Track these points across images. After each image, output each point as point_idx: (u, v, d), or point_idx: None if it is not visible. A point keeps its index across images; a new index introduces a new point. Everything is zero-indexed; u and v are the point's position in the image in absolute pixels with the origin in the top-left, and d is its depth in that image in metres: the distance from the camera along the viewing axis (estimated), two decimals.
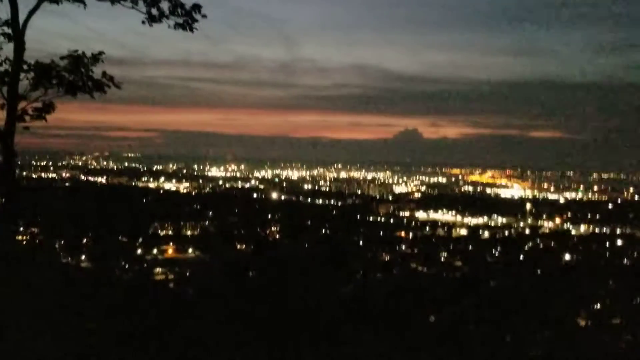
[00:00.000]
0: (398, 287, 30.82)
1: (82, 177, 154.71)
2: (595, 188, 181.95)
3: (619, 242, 78.07)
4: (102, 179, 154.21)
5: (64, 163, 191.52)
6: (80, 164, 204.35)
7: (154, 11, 8.06)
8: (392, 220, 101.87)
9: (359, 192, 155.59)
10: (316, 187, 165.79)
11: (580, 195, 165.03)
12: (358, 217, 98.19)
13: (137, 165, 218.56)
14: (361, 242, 68.05)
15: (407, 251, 67.83)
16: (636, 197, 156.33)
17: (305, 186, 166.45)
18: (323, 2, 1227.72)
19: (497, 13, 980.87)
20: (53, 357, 7.71)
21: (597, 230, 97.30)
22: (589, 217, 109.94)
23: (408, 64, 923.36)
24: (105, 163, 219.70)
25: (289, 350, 10.38)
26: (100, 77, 8.30)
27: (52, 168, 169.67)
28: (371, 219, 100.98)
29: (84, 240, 59.12)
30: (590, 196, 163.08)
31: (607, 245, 75.24)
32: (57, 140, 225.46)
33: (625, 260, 63.21)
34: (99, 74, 8.33)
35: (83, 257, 50.97)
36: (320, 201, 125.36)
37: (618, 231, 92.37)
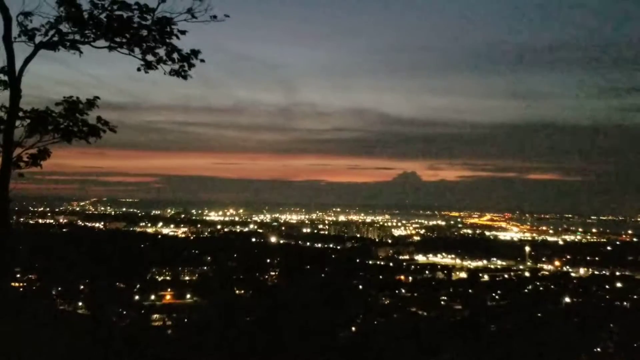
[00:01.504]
0: (398, 331, 30.46)
1: (80, 222, 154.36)
2: (594, 230, 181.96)
3: (619, 284, 77.63)
4: (100, 224, 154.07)
5: (61, 209, 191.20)
6: (78, 209, 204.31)
7: (150, 57, 8.17)
8: (391, 264, 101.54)
9: (358, 235, 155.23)
10: (315, 231, 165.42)
11: (578, 237, 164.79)
12: (357, 261, 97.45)
13: (135, 210, 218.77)
14: (361, 286, 67.43)
15: (406, 295, 67.35)
16: (635, 239, 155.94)
17: (304, 230, 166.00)
18: (322, 47, 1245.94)
19: (495, 57, 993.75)
20: None
21: (596, 272, 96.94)
22: (588, 259, 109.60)
23: (406, 107, 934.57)
24: (103, 208, 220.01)
25: None
26: (95, 122, 8.36)
27: (49, 214, 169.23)
28: (370, 262, 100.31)
29: (81, 287, 58.57)
30: (588, 238, 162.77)
31: (607, 287, 74.88)
32: (55, 185, 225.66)
33: (625, 302, 62.77)
34: (94, 119, 8.40)
35: (80, 303, 50.42)
36: (320, 245, 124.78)
37: (617, 273, 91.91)
